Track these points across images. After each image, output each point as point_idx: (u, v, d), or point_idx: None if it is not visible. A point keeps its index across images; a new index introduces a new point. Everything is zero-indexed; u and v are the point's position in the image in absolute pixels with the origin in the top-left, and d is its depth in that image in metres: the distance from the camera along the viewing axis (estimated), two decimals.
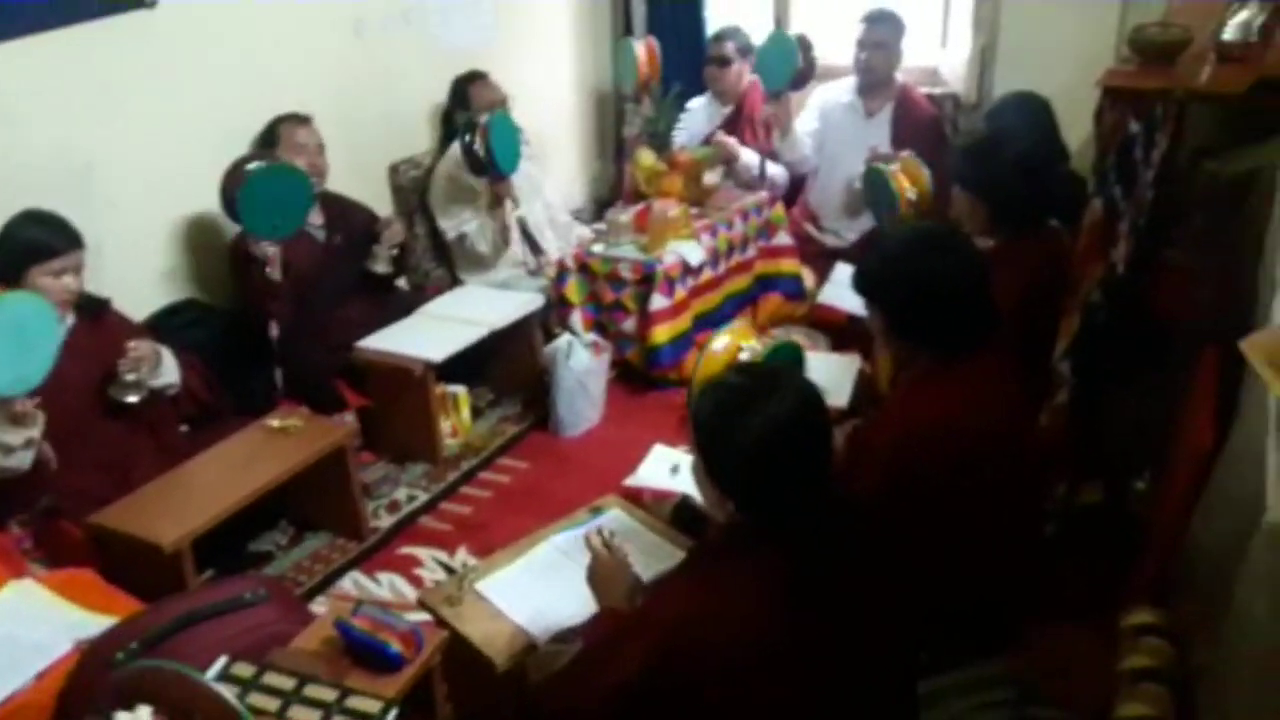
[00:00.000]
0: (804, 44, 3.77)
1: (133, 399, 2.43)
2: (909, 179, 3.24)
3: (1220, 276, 2.01)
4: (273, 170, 2.73)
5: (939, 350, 1.95)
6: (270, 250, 2.79)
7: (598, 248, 3.47)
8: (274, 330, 2.89)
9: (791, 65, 3.72)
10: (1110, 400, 2.50)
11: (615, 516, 2.19)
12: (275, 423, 2.62)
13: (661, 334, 3.34)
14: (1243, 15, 2.45)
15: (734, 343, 2.15)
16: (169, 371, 2.54)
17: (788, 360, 2.22)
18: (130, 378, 2.41)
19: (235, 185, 2.69)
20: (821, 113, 4.00)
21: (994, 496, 1.89)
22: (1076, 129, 3.05)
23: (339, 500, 2.72)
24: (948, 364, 1.94)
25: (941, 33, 4.24)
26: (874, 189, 3.37)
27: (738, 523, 1.50)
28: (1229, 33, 2.25)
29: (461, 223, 3.59)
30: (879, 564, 1.56)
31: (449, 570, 2.63)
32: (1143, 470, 2.45)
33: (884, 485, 1.86)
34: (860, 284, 2.07)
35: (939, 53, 4.25)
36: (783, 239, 3.84)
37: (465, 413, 3.16)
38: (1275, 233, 1.41)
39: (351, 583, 2.62)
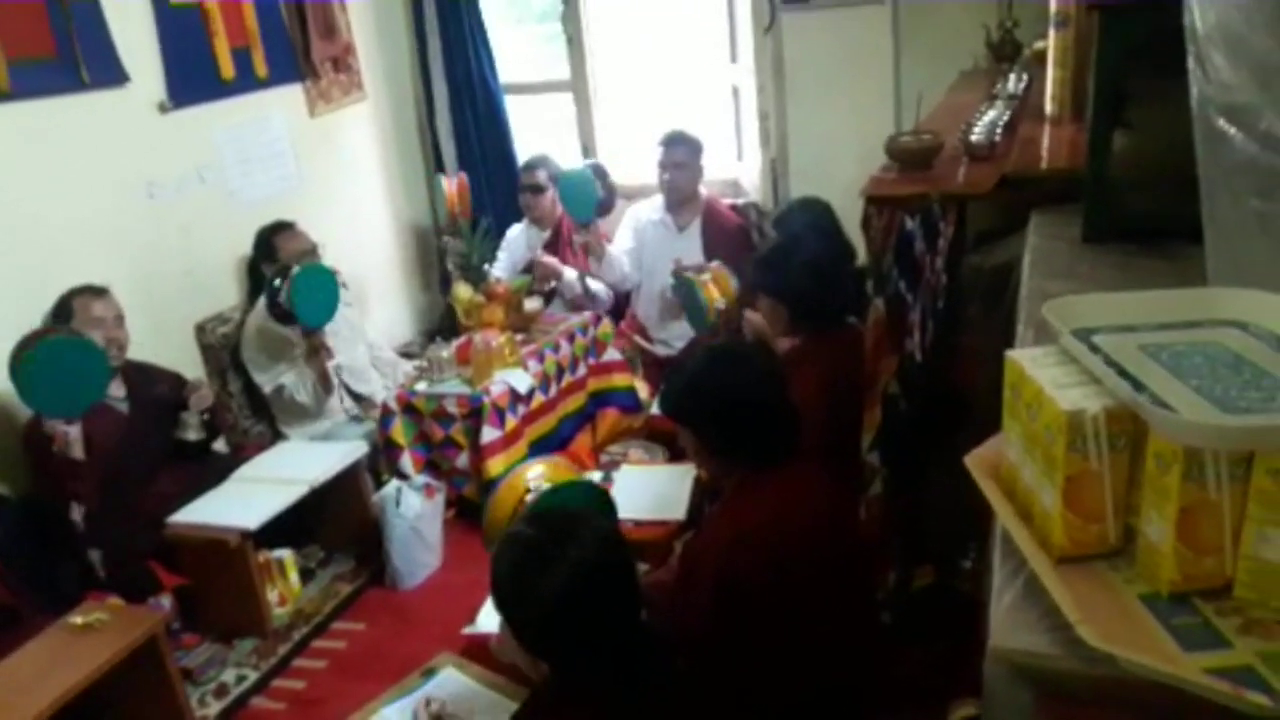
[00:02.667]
0: (600, 173, 3.91)
1: None
2: (718, 289, 3.34)
3: (996, 360, 2.13)
4: (58, 344, 2.59)
5: (748, 464, 1.99)
6: (66, 429, 2.62)
7: (421, 385, 3.42)
8: (76, 514, 2.70)
9: (592, 197, 3.85)
10: (927, 483, 2.59)
11: (448, 677, 2.10)
12: (79, 619, 2.41)
13: (496, 466, 3.28)
14: (990, 115, 2.68)
15: (519, 482, 2.15)
16: None
17: (584, 497, 2.22)
18: None
19: (17, 363, 2.54)
20: (635, 231, 4.13)
21: (821, 594, 1.92)
22: None
23: (158, 694, 2.50)
24: (761, 474, 1.98)
25: (737, 146, 4.47)
26: (686, 299, 3.46)
27: (554, 683, 1.46)
28: (976, 134, 2.45)
29: (278, 374, 3.48)
30: (700, 698, 1.53)
31: None
32: (967, 548, 2.53)
33: (714, 596, 1.86)
34: (666, 407, 2.11)
35: (737, 165, 4.47)
36: (612, 354, 3.89)
37: (293, 577, 3.00)
38: (1018, 323, 1.51)
39: None
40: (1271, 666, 0.74)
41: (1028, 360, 0.92)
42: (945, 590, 2.55)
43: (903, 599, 2.56)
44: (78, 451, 2.67)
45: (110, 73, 3.14)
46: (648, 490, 3.06)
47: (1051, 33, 2.45)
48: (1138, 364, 0.88)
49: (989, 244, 2.44)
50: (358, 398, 3.64)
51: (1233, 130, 1.02)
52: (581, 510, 1.56)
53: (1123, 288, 1.51)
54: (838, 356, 2.58)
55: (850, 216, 3.28)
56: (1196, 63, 1.11)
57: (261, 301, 3.44)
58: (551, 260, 4.04)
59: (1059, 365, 0.91)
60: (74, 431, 2.65)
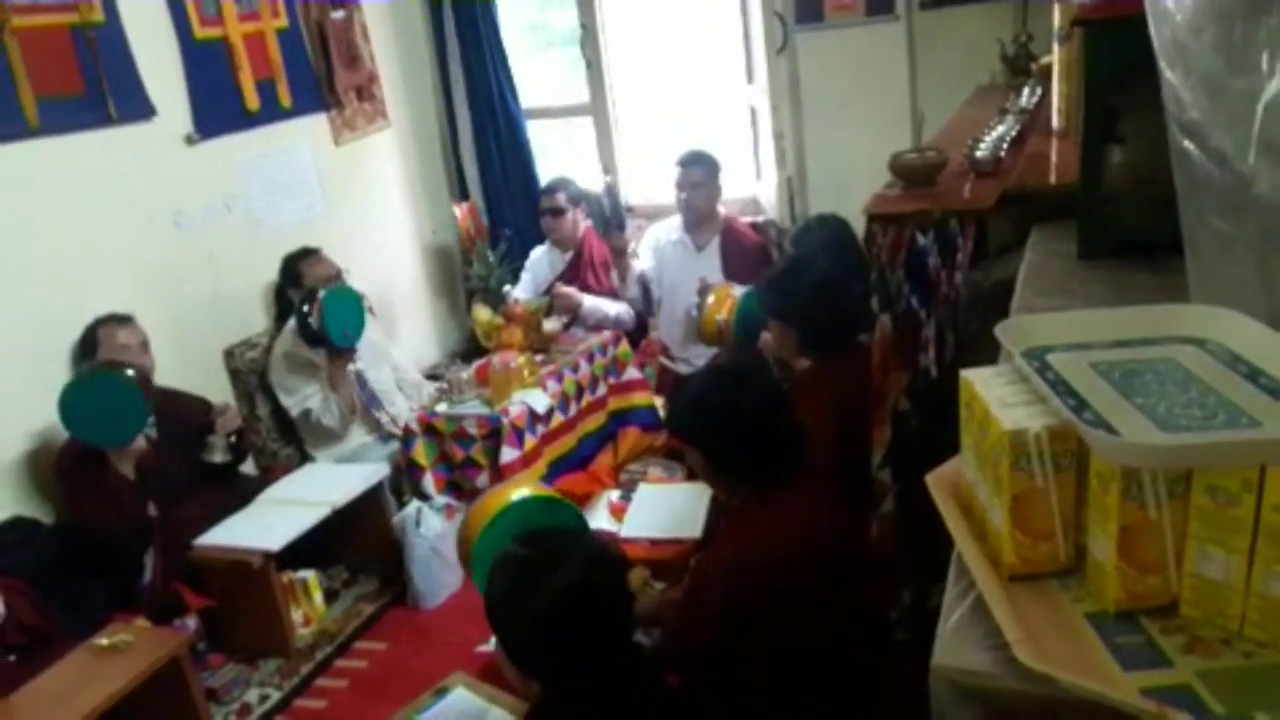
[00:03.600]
0: (612, 193, 3.97)
1: None
2: (725, 308, 3.36)
3: None
4: (97, 378, 2.71)
5: (755, 483, 2.00)
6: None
7: (441, 407, 3.46)
8: (151, 509, 2.86)
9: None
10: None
11: (459, 697, 2.12)
12: (104, 641, 2.47)
13: None
14: (998, 130, 2.68)
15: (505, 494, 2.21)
16: None
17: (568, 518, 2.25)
18: None
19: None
20: (655, 251, 4.15)
21: (828, 613, 1.91)
22: None
23: (182, 714, 2.55)
24: (766, 494, 1.98)
25: (755, 165, 4.49)
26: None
27: (544, 701, 1.48)
28: (982, 150, 2.45)
29: (304, 398, 3.54)
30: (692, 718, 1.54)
31: None
32: None
33: (721, 614, 1.87)
34: (673, 426, 2.13)
35: (756, 184, 4.49)
36: (632, 374, 3.91)
37: (317, 598, 3.05)
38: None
39: None
40: (1210, 685, 0.74)
41: (979, 380, 0.94)
42: None
43: (919, 617, 2.54)
44: (130, 474, 2.77)
45: (137, 107, 3.24)
46: (664, 508, 3.07)
47: (1056, 47, 2.45)
48: (1086, 383, 0.89)
49: (994, 259, 2.44)
50: (377, 405, 3.70)
51: (1192, 148, 1.02)
52: (574, 532, 1.57)
53: (1112, 303, 1.51)
54: (849, 377, 2.57)
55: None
56: (1161, 79, 1.12)
57: (289, 326, 3.52)
58: (570, 291, 4.07)
59: (1009, 385, 0.92)
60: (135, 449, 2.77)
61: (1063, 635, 0.80)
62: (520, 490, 2.30)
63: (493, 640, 2.53)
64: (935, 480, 1.02)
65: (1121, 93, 1.59)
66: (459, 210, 4.01)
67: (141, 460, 2.85)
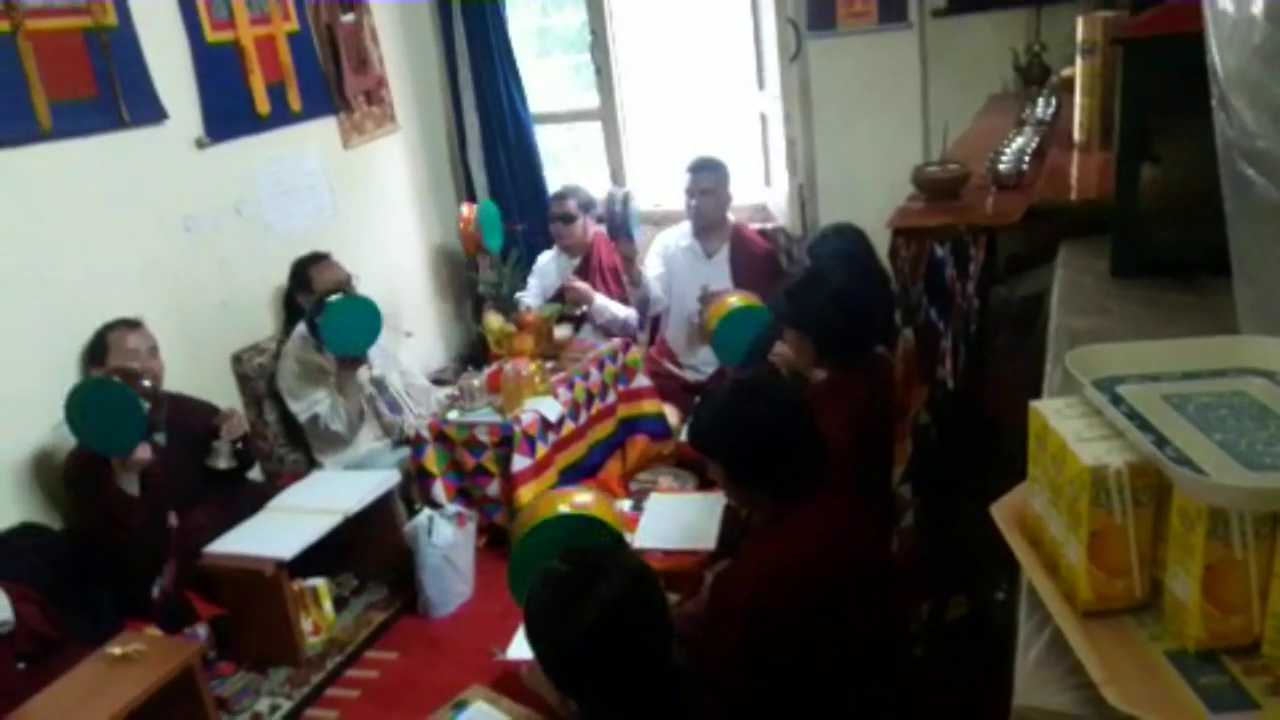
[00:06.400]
0: (625, 199, 3.97)
1: None
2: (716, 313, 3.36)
3: (1025, 392, 2.11)
4: (94, 386, 2.67)
5: (777, 496, 1.99)
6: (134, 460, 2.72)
7: (453, 414, 3.45)
8: (172, 519, 2.87)
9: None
10: (961, 513, 2.56)
11: (479, 711, 2.10)
12: (117, 650, 2.45)
13: (527, 494, 3.29)
14: (1017, 143, 2.67)
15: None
16: (0, 610, 2.37)
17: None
18: None
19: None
20: (664, 257, 4.15)
21: (850, 627, 1.91)
22: None
23: None
24: (789, 507, 1.98)
25: (764, 172, 4.49)
26: (738, 328, 3.46)
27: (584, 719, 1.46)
28: (1004, 163, 2.44)
29: (313, 404, 3.52)
30: None
31: None
32: (1000, 580, 2.51)
33: (742, 630, 1.86)
34: (694, 439, 2.12)
35: (765, 190, 4.48)
36: (641, 381, 3.90)
37: (327, 606, 3.03)
38: (1047, 360, 1.50)
39: None
40: None
41: (1051, 412, 0.92)
42: (978, 622, 2.52)
43: (936, 631, 2.54)
44: (132, 488, 2.73)
45: (149, 110, 3.22)
46: (678, 519, 3.06)
47: (1079, 60, 2.44)
48: (1162, 416, 0.88)
49: (1019, 272, 2.43)
50: (396, 409, 3.68)
51: (1256, 175, 1.01)
52: (615, 549, 1.56)
53: (1152, 324, 1.51)
54: (866, 389, 2.57)
55: (881, 242, 3.28)
56: (1220, 104, 1.11)
57: (298, 331, 3.51)
58: (583, 285, 4.07)
59: (1082, 417, 0.91)
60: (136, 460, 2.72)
61: (1145, 675, 0.79)
62: (566, 505, 2.28)
63: (510, 648, 2.54)
64: (1000, 510, 1.01)
65: (1160, 111, 1.58)
66: (466, 210, 4.00)
67: (147, 473, 2.81)
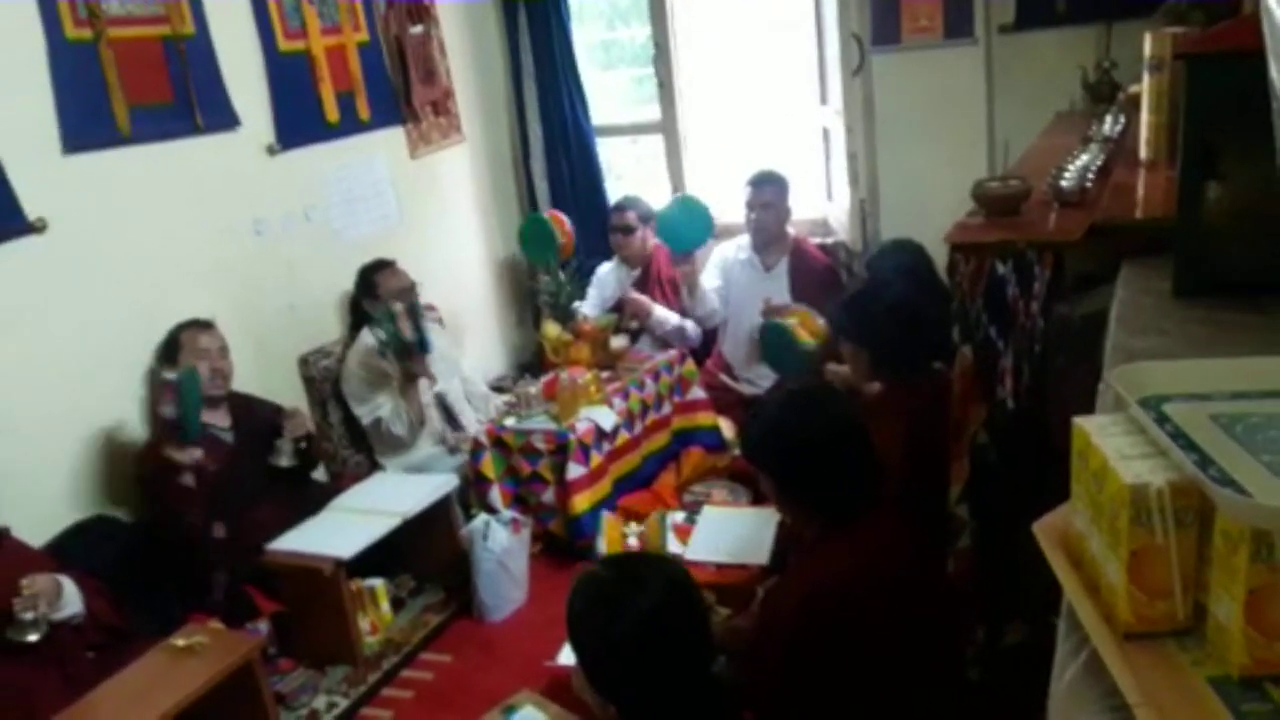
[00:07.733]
0: None
1: (33, 638, 2.31)
2: (807, 330, 3.34)
3: (1084, 412, 2.08)
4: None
5: (829, 513, 1.97)
6: (182, 455, 2.79)
7: (510, 421, 3.49)
8: (219, 531, 2.93)
9: (703, 227, 3.89)
10: (1020, 536, 2.52)
11: (528, 715, 2.12)
12: (180, 642, 2.52)
13: (581, 503, 3.32)
14: (1082, 159, 2.63)
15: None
16: (71, 601, 2.45)
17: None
18: (28, 616, 2.31)
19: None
20: (722, 270, 4.16)
21: (901, 650, 1.88)
22: None
23: (252, 717, 2.60)
24: (840, 525, 1.96)
25: (826, 186, 4.47)
26: (775, 342, 3.46)
27: None
28: (1067, 179, 2.40)
29: (376, 408, 3.60)
30: None
31: None
32: (1059, 605, 2.45)
33: (788, 649, 1.85)
34: (746, 451, 2.11)
35: (826, 205, 4.47)
36: (696, 393, 3.90)
37: (385, 606, 3.09)
38: (1104, 378, 1.47)
39: None
40: None
41: (1094, 428, 0.91)
42: (1036, 648, 2.47)
43: (992, 656, 2.50)
44: (188, 480, 2.81)
45: (223, 117, 3.33)
46: (730, 533, 3.06)
47: (1145, 77, 2.40)
48: (1208, 436, 0.86)
49: (1083, 291, 2.38)
50: (455, 425, 3.74)
51: None
52: (657, 556, 1.57)
53: (1212, 346, 1.47)
54: (921, 405, 2.54)
55: (942, 259, 3.25)
56: None
57: (363, 336, 3.59)
58: (642, 298, 4.11)
59: (1126, 435, 0.90)
60: (188, 458, 2.80)
61: (1185, 700, 0.77)
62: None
63: (561, 655, 2.56)
64: (1043, 529, 1.00)
65: (1225, 128, 1.55)
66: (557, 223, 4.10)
67: (200, 470, 2.88)
